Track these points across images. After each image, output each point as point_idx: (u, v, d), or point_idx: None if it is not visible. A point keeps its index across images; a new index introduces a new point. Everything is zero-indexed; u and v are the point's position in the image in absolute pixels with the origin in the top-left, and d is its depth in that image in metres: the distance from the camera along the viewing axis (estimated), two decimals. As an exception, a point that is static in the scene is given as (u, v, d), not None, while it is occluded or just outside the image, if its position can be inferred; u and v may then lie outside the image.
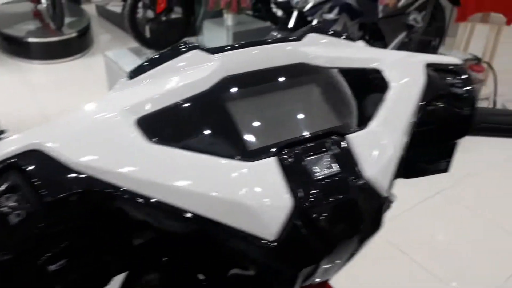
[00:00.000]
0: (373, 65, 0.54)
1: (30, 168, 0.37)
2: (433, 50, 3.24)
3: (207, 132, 0.42)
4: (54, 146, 0.38)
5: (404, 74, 0.54)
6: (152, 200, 0.38)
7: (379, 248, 2.01)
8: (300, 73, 0.50)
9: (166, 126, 0.42)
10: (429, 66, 0.58)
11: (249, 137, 0.43)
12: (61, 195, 0.37)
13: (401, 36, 2.87)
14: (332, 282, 0.70)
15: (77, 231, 0.39)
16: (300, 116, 0.47)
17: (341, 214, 0.42)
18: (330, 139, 0.45)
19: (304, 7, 2.78)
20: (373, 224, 0.45)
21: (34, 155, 0.38)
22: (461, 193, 2.39)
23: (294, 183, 0.41)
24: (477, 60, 3.39)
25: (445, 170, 0.64)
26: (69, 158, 0.38)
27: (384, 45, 2.87)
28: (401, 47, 2.89)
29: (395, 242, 2.03)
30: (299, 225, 0.40)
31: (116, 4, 5.24)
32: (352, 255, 0.47)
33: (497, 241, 2.09)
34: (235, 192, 0.39)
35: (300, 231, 0.40)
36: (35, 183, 0.37)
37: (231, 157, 0.41)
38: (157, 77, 0.46)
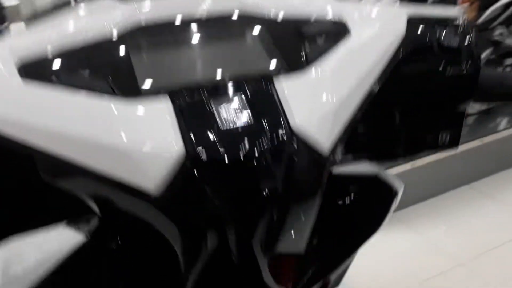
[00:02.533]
0: (330, 13, 0.47)
1: None
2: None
3: (96, 70, 0.37)
4: None
5: (374, 24, 0.46)
6: (26, 144, 0.33)
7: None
8: (231, 22, 0.44)
9: (49, 67, 0.37)
10: (414, 19, 0.48)
11: (142, 76, 0.36)
12: None
13: (485, 53, 2.63)
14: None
15: None
16: (216, 60, 0.40)
17: (252, 169, 0.33)
18: (249, 82, 0.37)
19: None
20: (303, 185, 0.36)
21: None
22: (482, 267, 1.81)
23: (190, 129, 0.33)
24: None
25: (453, 145, 0.52)
26: None
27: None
28: (489, 65, 2.64)
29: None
30: (192, 179, 0.32)
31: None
32: (304, 227, 0.39)
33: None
34: (110, 134, 0.33)
35: (192, 186, 0.32)
36: None
37: (115, 95, 0.35)
38: (55, 22, 0.43)
